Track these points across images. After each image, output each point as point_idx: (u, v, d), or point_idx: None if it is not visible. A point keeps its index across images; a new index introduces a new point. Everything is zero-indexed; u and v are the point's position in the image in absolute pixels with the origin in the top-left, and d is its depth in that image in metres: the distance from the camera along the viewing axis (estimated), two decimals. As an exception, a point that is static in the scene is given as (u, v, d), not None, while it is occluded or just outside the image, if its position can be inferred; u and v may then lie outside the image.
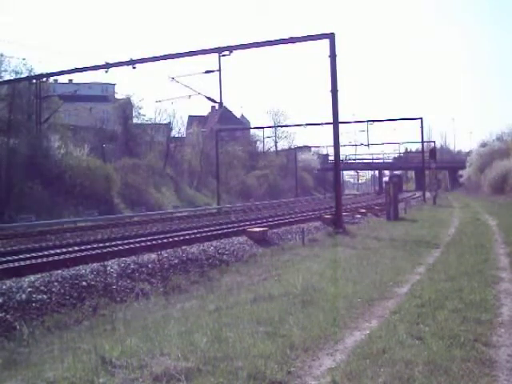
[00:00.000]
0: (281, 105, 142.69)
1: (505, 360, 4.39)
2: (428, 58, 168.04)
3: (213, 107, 64.66)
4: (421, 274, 8.47)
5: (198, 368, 4.14)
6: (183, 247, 12.62)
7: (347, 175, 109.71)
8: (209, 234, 16.06)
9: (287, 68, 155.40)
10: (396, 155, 76.90)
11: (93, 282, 9.11)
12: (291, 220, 21.38)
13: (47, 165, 28.22)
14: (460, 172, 63.91)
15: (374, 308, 6.27)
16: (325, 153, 72.60)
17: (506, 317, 5.77)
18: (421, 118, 42.24)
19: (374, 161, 76.57)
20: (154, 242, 13.69)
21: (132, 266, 10.28)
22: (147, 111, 76.21)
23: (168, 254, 11.53)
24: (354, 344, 4.83)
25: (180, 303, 7.75)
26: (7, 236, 18.32)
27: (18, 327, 7.03)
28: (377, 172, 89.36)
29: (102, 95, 51.01)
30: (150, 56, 23.12)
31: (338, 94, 18.27)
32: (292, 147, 68.26)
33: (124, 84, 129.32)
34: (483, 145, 60.89)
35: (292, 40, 19.93)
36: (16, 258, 11.53)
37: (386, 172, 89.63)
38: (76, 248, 13.13)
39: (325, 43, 18.63)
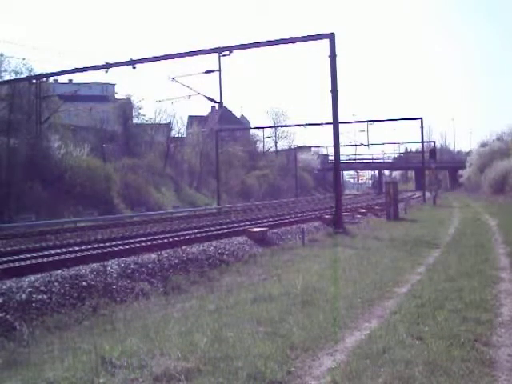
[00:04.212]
0: (281, 105, 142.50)
1: (505, 360, 4.39)
2: (428, 58, 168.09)
3: (213, 107, 64.59)
4: (421, 274, 8.48)
5: (198, 368, 4.15)
6: (183, 247, 12.61)
7: (347, 175, 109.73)
8: (209, 233, 16.05)
9: (287, 68, 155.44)
10: (396, 155, 77.04)
11: (93, 282, 9.10)
12: (291, 220, 21.36)
13: (47, 165, 28.21)
14: (460, 172, 63.92)
15: (374, 308, 6.27)
16: (325, 153, 72.69)
17: (506, 317, 5.77)
18: (421, 118, 42.29)
19: (374, 161, 76.62)
20: (154, 242, 13.68)
21: (132, 266, 10.27)
22: (147, 111, 76.22)
23: (168, 254, 11.52)
24: (354, 344, 4.83)
25: (180, 303, 7.75)
26: (7, 236, 18.31)
27: (17, 327, 7.02)
28: (377, 172, 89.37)
29: (102, 95, 50.90)
30: (150, 56, 23.14)
31: (338, 94, 18.31)
32: (292, 147, 68.32)
33: (124, 84, 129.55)
34: (483, 145, 60.90)
35: (292, 40, 19.93)
36: (16, 257, 11.53)
37: (386, 172, 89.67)
38: (76, 248, 13.12)
39: (325, 43, 18.66)
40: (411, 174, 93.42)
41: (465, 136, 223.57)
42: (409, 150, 77.46)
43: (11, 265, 10.33)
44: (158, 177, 40.67)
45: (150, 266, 10.56)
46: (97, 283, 9.11)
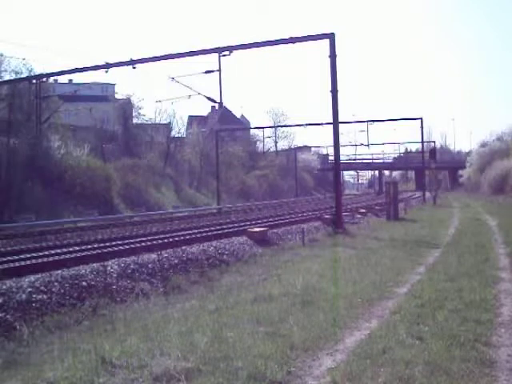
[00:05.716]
0: (281, 105, 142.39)
1: (505, 360, 4.39)
2: (428, 58, 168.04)
3: (213, 107, 64.55)
4: (421, 274, 8.48)
5: (198, 368, 4.15)
6: (183, 247, 12.61)
7: (347, 175, 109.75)
8: (209, 233, 16.05)
9: (287, 68, 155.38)
10: (396, 155, 77.03)
11: (93, 282, 9.09)
12: (291, 220, 21.37)
13: (47, 165, 28.19)
14: (460, 172, 63.97)
15: (374, 308, 6.27)
16: (325, 153, 72.66)
17: (506, 317, 5.77)
18: (421, 118, 42.24)
19: (374, 161, 76.59)
20: (154, 242, 13.68)
21: (132, 266, 10.27)
22: (147, 111, 76.33)
23: (168, 254, 11.52)
24: (354, 344, 4.83)
25: (180, 303, 7.75)
26: (7, 236, 18.30)
27: (17, 327, 7.02)
28: (376, 172, 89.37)
29: (102, 95, 50.85)
30: (150, 56, 23.11)
31: (338, 94, 18.32)
32: (292, 147, 68.35)
33: (124, 84, 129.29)
34: (483, 145, 60.94)
35: (292, 40, 19.92)
36: (16, 257, 11.52)
37: (386, 172, 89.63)
38: (76, 248, 13.12)
39: (325, 43, 18.67)
40: (411, 174, 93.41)
41: (465, 136, 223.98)
42: (409, 150, 77.52)
43: (11, 265, 10.33)
44: (158, 177, 40.64)
45: (150, 265, 10.56)
46: (97, 283, 9.11)
